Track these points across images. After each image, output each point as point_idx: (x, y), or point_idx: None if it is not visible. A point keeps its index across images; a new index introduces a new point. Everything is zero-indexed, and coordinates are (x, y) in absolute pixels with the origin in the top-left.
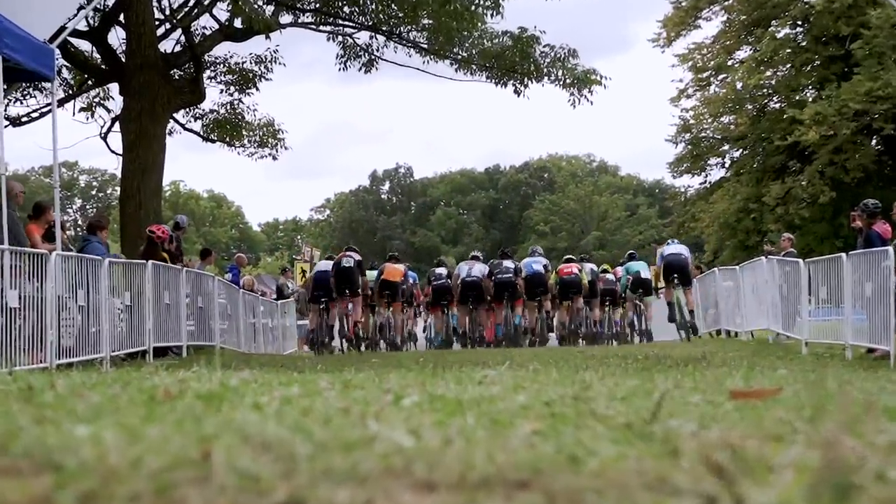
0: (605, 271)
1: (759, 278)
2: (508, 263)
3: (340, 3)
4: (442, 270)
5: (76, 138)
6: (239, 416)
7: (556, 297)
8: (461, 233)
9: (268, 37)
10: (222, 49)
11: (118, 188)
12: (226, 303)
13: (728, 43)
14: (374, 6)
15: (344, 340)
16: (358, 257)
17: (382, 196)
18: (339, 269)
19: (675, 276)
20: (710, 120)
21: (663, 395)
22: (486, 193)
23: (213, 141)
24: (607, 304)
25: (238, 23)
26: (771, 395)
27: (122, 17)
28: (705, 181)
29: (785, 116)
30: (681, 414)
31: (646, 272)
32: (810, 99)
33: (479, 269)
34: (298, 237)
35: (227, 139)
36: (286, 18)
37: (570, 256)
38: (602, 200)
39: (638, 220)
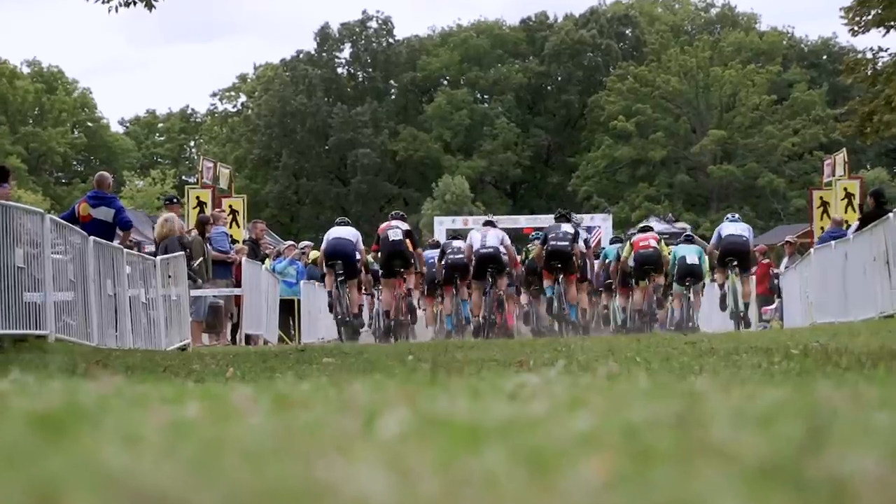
0: (644, 229)
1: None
2: (567, 227)
3: None
4: (459, 243)
5: None
6: (101, 452)
7: (628, 276)
8: (478, 135)
9: None
10: None
11: None
12: (67, 260)
13: None
14: None
15: (391, 323)
16: (406, 226)
17: (339, 70)
18: (387, 243)
19: (734, 260)
20: None
21: (828, 414)
22: (522, 64)
23: None
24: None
25: None
26: None
27: None
28: None
29: None
30: (859, 446)
31: (693, 257)
32: None
33: (494, 237)
34: (192, 144)
35: None
36: None
37: (648, 224)
38: (728, 75)
39: (791, 109)
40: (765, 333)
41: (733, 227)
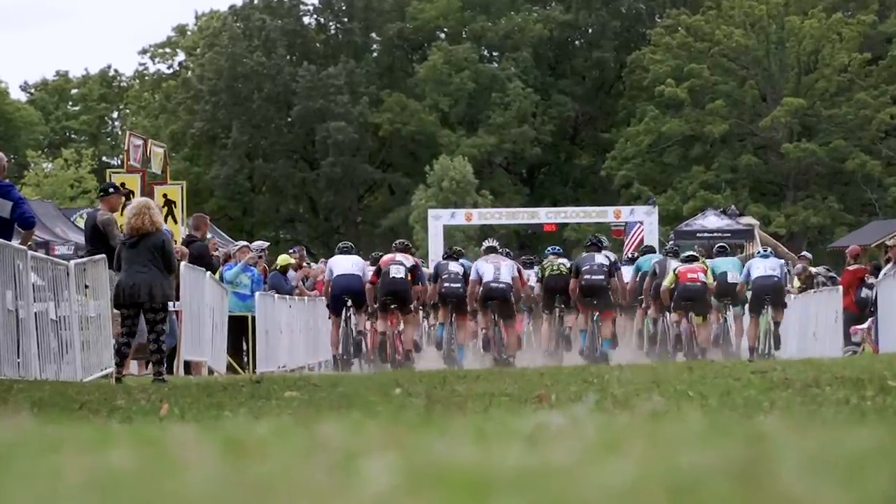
0: (690, 258)
1: None
2: (601, 258)
3: None
4: (457, 268)
5: None
6: None
7: (668, 306)
8: (485, 103)
9: None
10: None
11: None
12: None
13: None
14: None
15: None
16: (410, 262)
17: (306, 20)
18: (387, 279)
19: (768, 297)
20: None
21: None
22: (542, 12)
23: None
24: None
25: None
26: None
27: None
28: None
29: None
30: None
31: (734, 273)
32: None
33: (507, 270)
34: (115, 116)
35: None
36: None
37: (693, 254)
38: (808, 27)
39: (890, 71)
40: (854, 360)
41: (763, 266)
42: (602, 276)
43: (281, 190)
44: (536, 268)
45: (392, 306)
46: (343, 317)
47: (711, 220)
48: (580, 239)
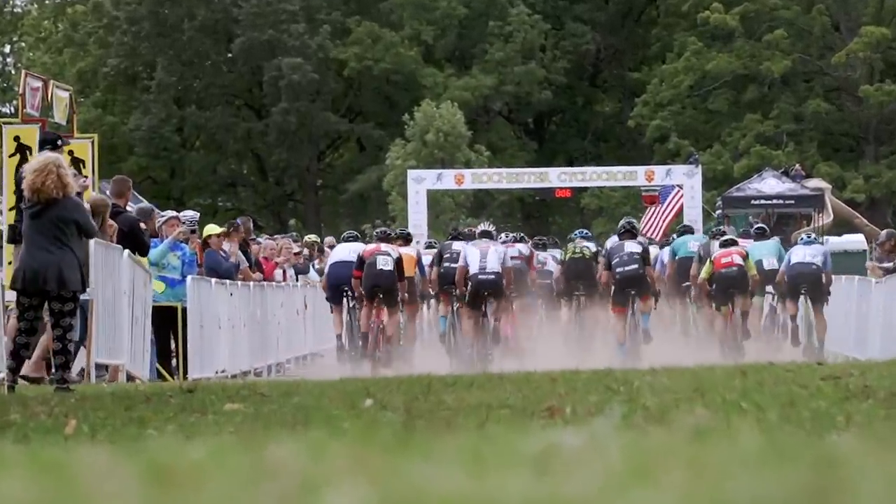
0: (728, 242)
1: None
2: (633, 245)
3: None
4: (459, 247)
5: None
6: None
7: (709, 297)
8: (480, 34)
9: None
10: None
11: None
12: None
13: None
14: None
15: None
16: (397, 253)
17: None
18: (373, 271)
19: (804, 287)
20: None
21: None
22: None
23: None
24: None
25: None
26: None
27: None
28: None
29: None
30: None
31: (771, 259)
32: None
33: (495, 257)
34: (7, 51)
35: None
36: None
37: (731, 237)
38: None
39: None
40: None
41: (802, 253)
42: (636, 266)
43: (219, 145)
44: (553, 250)
45: (379, 296)
46: (344, 305)
47: (770, 184)
48: (602, 207)
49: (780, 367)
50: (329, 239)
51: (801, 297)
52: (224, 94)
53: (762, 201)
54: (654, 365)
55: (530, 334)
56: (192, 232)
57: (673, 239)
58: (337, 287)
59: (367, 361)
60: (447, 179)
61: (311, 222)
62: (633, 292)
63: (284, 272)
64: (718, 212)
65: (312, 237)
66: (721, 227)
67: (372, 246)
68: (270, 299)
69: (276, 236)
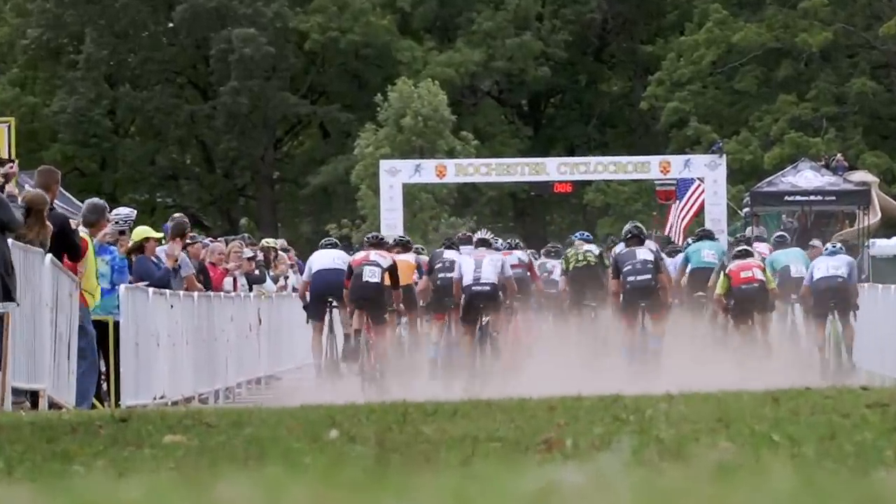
0: (743, 253)
1: None
2: (644, 252)
3: None
4: (452, 256)
5: None
6: None
7: (726, 313)
8: (466, 2)
9: None
10: None
11: None
12: None
13: None
14: None
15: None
16: (388, 261)
17: None
18: (358, 283)
19: (833, 302)
20: None
21: None
22: None
23: None
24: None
25: None
26: None
27: None
28: None
29: None
30: None
31: (799, 266)
32: None
33: (491, 267)
34: None
35: None
36: None
37: (745, 248)
38: None
39: None
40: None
41: (826, 266)
42: (649, 276)
43: (158, 131)
44: (556, 260)
45: (366, 309)
46: (326, 321)
47: (807, 177)
48: (609, 204)
49: (818, 392)
50: (280, 241)
51: (829, 315)
52: (164, 71)
53: (797, 198)
54: (667, 387)
55: (531, 351)
56: (122, 233)
57: (687, 244)
58: (321, 297)
59: (357, 378)
60: (426, 171)
61: (266, 222)
62: (643, 304)
63: (235, 281)
64: (746, 210)
65: (270, 241)
66: (742, 235)
67: (361, 254)
68: (218, 312)
69: (225, 238)
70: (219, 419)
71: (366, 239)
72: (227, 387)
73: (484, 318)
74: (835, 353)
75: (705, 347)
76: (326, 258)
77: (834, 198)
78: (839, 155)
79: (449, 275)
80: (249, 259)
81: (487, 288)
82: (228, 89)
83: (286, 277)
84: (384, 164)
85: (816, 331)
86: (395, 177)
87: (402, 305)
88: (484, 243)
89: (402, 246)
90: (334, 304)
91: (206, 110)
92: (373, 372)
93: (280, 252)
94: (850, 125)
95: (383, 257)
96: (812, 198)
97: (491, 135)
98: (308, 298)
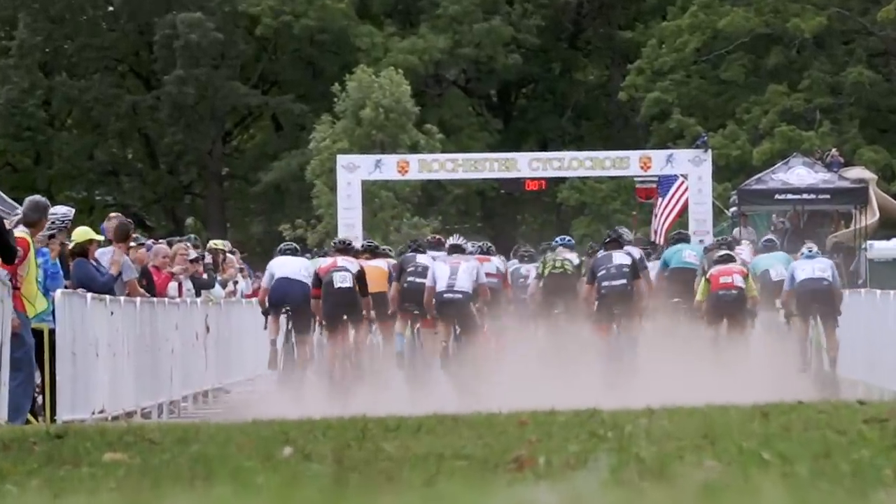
0: (725, 258)
1: None
2: (621, 256)
3: None
4: (424, 260)
5: None
6: None
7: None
8: None
9: None
10: None
11: None
12: None
13: None
14: None
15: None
16: (356, 267)
17: None
18: (331, 290)
19: (817, 306)
20: None
21: None
22: None
23: None
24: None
25: None
26: None
27: None
28: None
29: None
30: None
31: (779, 269)
32: None
33: (466, 275)
34: None
35: None
36: None
37: (728, 253)
38: None
39: None
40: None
41: (810, 268)
42: (624, 281)
43: (97, 123)
44: (530, 265)
45: (344, 317)
46: (282, 332)
47: (799, 174)
48: (585, 203)
49: (811, 406)
50: (224, 242)
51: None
52: (103, 59)
53: (789, 196)
54: (648, 400)
55: (499, 360)
56: (52, 236)
57: (663, 248)
58: (278, 307)
59: (321, 387)
60: (388, 167)
61: (214, 221)
62: (616, 311)
63: (180, 286)
64: (733, 209)
65: (217, 242)
66: (724, 238)
67: (328, 261)
68: (162, 320)
69: (169, 239)
70: (163, 435)
71: (333, 244)
72: (171, 400)
73: (457, 327)
74: (816, 360)
75: (682, 355)
76: (291, 266)
77: (828, 196)
78: (834, 150)
79: (420, 279)
80: (193, 261)
81: (460, 296)
82: (173, 78)
83: (235, 282)
84: (341, 160)
85: (799, 335)
86: (354, 173)
87: (372, 313)
88: (457, 249)
89: (372, 252)
90: (289, 311)
91: (149, 101)
92: (341, 379)
93: (228, 255)
94: (846, 117)
95: (351, 262)
96: (805, 196)
97: (457, 128)
98: (266, 305)
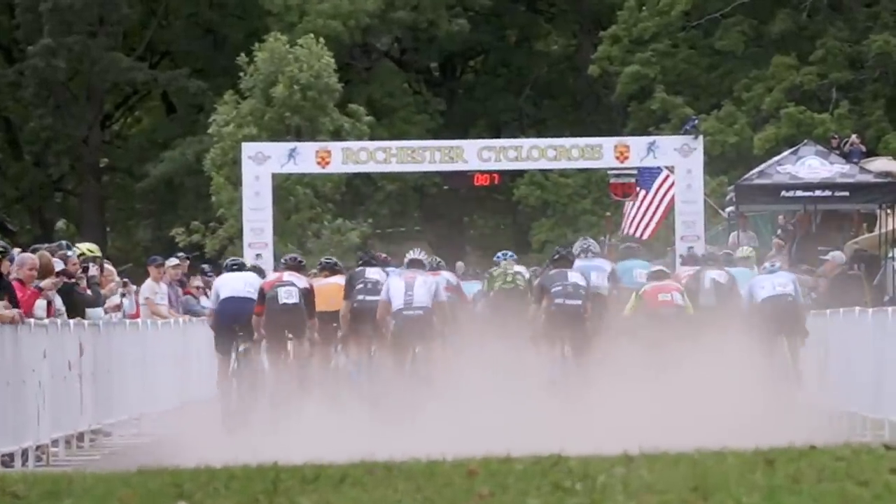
0: (659, 274)
1: None
2: (578, 278)
3: None
4: (375, 275)
5: None
6: None
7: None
8: None
9: None
10: None
11: None
12: None
13: None
14: None
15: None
16: (303, 283)
17: None
18: (275, 306)
19: (780, 324)
20: None
21: None
22: None
23: None
24: None
25: None
26: None
27: None
28: None
29: None
30: None
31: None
32: None
33: (424, 290)
34: None
35: None
36: None
37: (661, 268)
38: None
39: None
40: None
41: (770, 284)
42: (579, 302)
43: None
44: (475, 282)
45: (288, 335)
46: (234, 355)
47: (811, 166)
48: (548, 202)
49: (827, 451)
50: (94, 246)
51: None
52: None
53: (798, 193)
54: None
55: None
56: None
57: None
58: (229, 328)
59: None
60: (304, 158)
61: (91, 224)
62: (566, 332)
63: (50, 304)
64: (730, 209)
65: (87, 246)
66: (692, 248)
67: (274, 276)
68: (27, 346)
69: (36, 247)
70: (28, 488)
71: (282, 261)
72: (38, 444)
73: (416, 348)
74: (785, 382)
75: (638, 382)
76: (237, 283)
77: (847, 193)
78: (854, 136)
79: (371, 297)
80: (59, 273)
81: (420, 312)
82: (40, 48)
83: (122, 296)
84: (248, 149)
85: (764, 357)
86: (263, 165)
87: (315, 335)
88: (416, 263)
89: (331, 269)
90: (240, 333)
91: (11, 76)
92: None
93: (107, 266)
94: (868, 97)
95: (298, 278)
96: (818, 193)
97: (390, 109)
98: (216, 333)
